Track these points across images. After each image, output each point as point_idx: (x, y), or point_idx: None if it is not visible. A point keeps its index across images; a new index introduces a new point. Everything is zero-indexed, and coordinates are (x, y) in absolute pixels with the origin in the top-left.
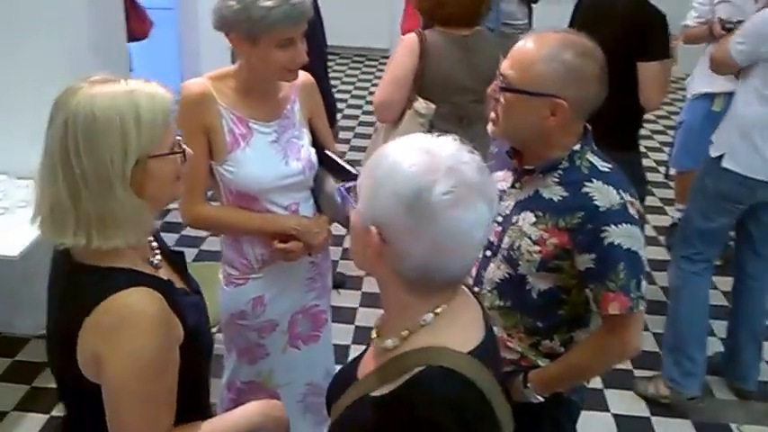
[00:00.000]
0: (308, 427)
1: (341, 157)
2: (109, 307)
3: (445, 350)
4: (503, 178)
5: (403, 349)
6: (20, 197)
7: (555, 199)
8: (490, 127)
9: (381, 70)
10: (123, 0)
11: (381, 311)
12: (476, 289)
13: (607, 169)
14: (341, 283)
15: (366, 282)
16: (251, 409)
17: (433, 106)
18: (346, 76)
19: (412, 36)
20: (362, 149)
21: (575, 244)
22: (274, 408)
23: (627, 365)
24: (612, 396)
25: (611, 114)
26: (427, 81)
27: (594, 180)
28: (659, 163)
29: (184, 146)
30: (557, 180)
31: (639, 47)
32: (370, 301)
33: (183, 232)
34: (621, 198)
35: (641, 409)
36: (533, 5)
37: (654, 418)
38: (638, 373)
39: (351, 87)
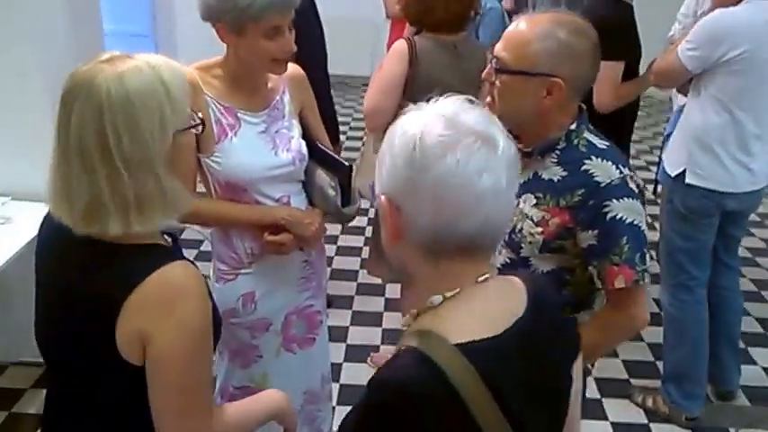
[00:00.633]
0: None
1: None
2: (155, 281)
3: (432, 335)
4: None
5: (409, 330)
6: None
7: (555, 179)
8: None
9: (363, 97)
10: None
11: (372, 329)
12: None
13: (604, 146)
14: (328, 302)
15: (356, 300)
16: (276, 396)
17: None
18: None
19: (401, 43)
20: None
21: (577, 221)
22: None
23: (623, 375)
24: (609, 405)
25: None
26: (418, 87)
27: (593, 157)
28: (647, 181)
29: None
30: (555, 161)
31: None
32: (361, 319)
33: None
34: (621, 173)
35: (639, 417)
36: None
37: (652, 425)
38: (634, 381)
39: None
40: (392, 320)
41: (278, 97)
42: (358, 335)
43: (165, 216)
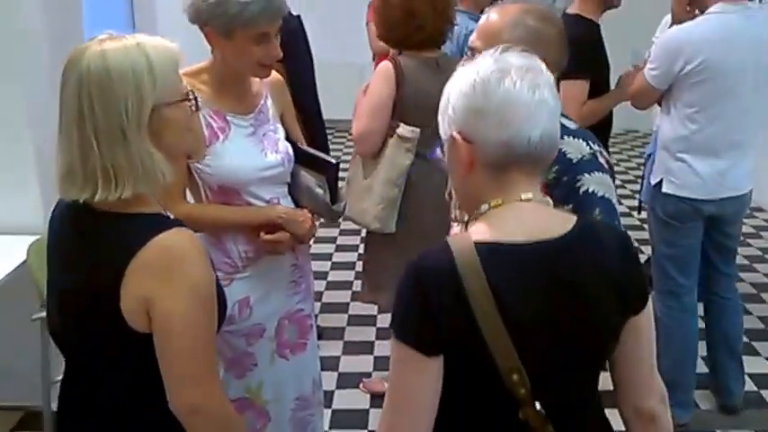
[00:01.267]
0: None
1: None
2: (156, 247)
3: (464, 233)
4: None
5: None
6: None
7: None
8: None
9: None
10: None
11: (364, 357)
12: None
13: (574, 126)
14: (319, 335)
15: (348, 331)
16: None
17: (418, 130)
18: None
19: (386, 64)
20: None
21: (553, 198)
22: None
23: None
24: None
25: None
26: (406, 106)
27: (565, 137)
28: (632, 208)
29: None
30: None
31: None
32: (352, 348)
33: None
34: (591, 149)
35: None
36: None
37: None
38: None
39: None
40: (383, 348)
41: (262, 101)
42: (350, 363)
43: (138, 186)
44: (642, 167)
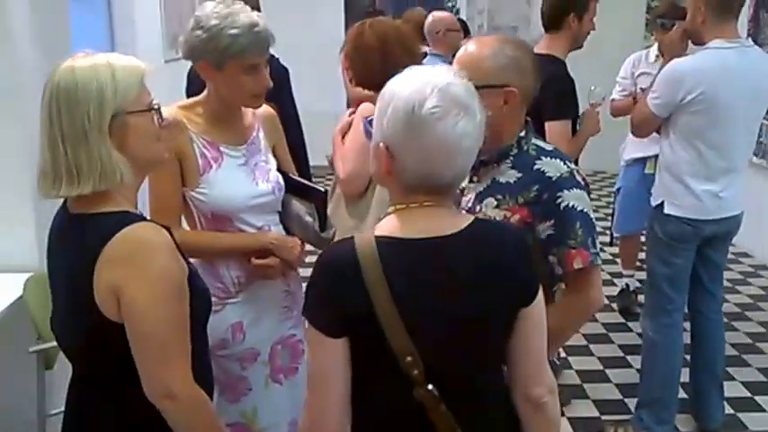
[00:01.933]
0: None
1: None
2: (122, 239)
3: (371, 231)
4: None
5: None
6: None
7: (511, 181)
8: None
9: (328, 184)
10: None
11: None
12: None
13: (551, 147)
14: None
15: None
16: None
17: None
18: None
19: (368, 106)
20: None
21: (534, 215)
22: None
23: (594, 413)
24: None
25: None
26: None
27: (543, 157)
28: (603, 244)
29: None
30: (509, 165)
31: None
32: None
33: None
34: (568, 167)
35: None
36: None
37: None
38: (605, 417)
39: None
40: None
41: (254, 133)
42: None
43: (98, 184)
44: (611, 205)
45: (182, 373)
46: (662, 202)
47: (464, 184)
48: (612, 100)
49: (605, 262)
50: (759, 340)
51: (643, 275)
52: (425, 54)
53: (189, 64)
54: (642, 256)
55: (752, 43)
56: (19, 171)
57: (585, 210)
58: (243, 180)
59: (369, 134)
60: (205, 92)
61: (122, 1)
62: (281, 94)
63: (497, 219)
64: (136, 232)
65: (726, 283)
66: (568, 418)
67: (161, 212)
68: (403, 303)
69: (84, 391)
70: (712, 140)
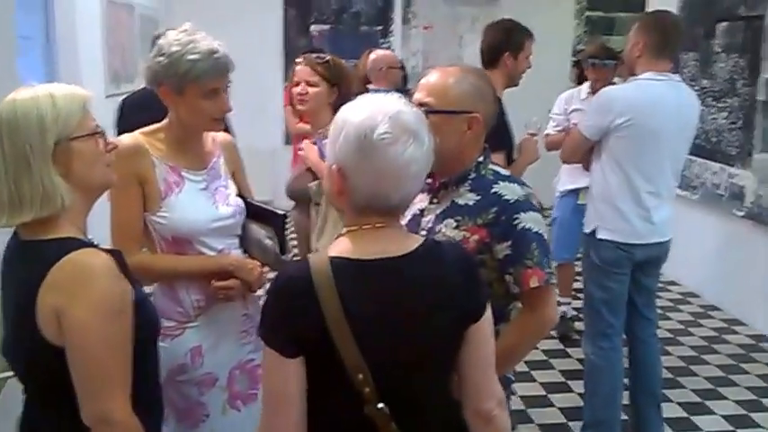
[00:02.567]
0: None
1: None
2: (65, 264)
3: (323, 250)
4: (419, 200)
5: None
6: None
7: (470, 203)
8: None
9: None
10: None
11: None
12: None
13: (507, 173)
14: None
15: None
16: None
17: None
18: None
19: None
20: None
21: (493, 236)
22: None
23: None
24: None
25: None
26: None
27: (500, 182)
28: None
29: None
30: (468, 188)
31: None
32: None
33: None
34: (524, 191)
35: None
36: None
37: None
38: None
39: None
40: None
41: (215, 159)
42: None
43: (41, 210)
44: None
45: (120, 400)
46: (595, 228)
47: (424, 205)
48: (547, 135)
49: None
50: (692, 363)
51: (579, 303)
52: (368, 90)
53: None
54: (577, 285)
55: (680, 79)
56: None
57: (541, 231)
58: (204, 204)
59: (321, 151)
60: (167, 118)
61: (66, 36)
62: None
63: (457, 239)
64: (78, 257)
65: (657, 311)
66: None
67: (123, 236)
68: (356, 322)
69: (32, 412)
70: (640, 166)
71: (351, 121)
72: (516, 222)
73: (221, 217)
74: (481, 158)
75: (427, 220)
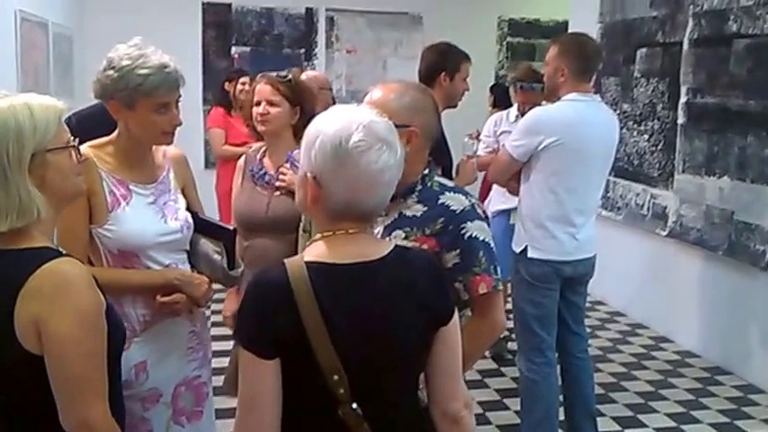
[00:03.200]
0: None
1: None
2: (43, 274)
3: (300, 256)
4: None
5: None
6: None
7: (418, 214)
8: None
9: None
10: None
11: None
12: None
13: (452, 184)
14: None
15: None
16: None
17: None
18: None
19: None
20: None
21: (441, 246)
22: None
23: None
24: None
25: None
26: None
27: (447, 192)
28: None
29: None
30: (415, 200)
31: None
32: None
33: None
34: (470, 201)
35: None
36: None
37: None
38: None
39: None
40: None
41: (164, 173)
42: None
43: (16, 220)
44: None
45: (100, 406)
46: (525, 247)
47: None
48: (477, 156)
49: None
50: (623, 379)
51: (510, 324)
52: None
53: None
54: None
55: (601, 99)
56: None
57: (487, 240)
58: (151, 218)
59: (293, 165)
60: (116, 132)
61: None
62: None
63: None
64: (57, 267)
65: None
66: None
67: (68, 248)
68: (332, 324)
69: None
70: (568, 183)
71: (325, 131)
72: (463, 231)
73: (169, 231)
74: (426, 171)
75: (376, 231)
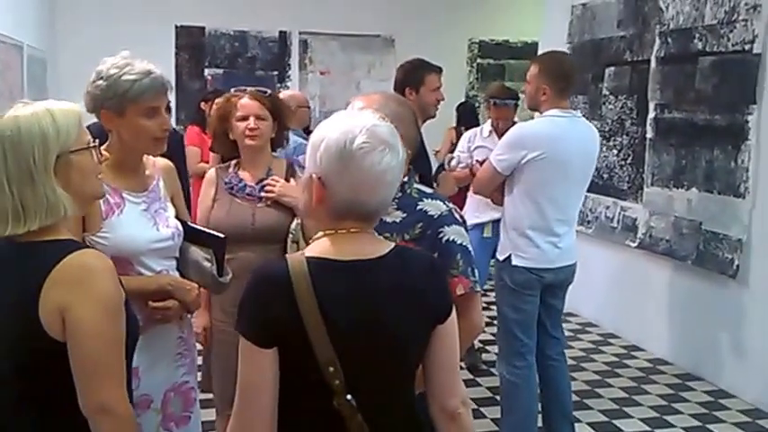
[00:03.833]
0: None
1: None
2: (68, 263)
3: (302, 252)
4: None
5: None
6: None
7: (397, 220)
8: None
9: None
10: None
11: None
12: None
13: (431, 191)
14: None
15: None
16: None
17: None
18: None
19: (210, 172)
20: None
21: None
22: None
23: None
24: None
25: None
26: None
27: (425, 199)
28: None
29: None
30: (395, 207)
31: None
32: None
33: None
34: (447, 206)
35: None
36: None
37: None
38: None
39: None
40: None
41: (155, 183)
42: None
43: (44, 220)
44: None
45: (119, 391)
46: (509, 256)
47: None
48: (450, 166)
49: None
50: (597, 386)
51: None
52: None
53: None
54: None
55: (580, 115)
56: None
57: (464, 243)
58: (144, 225)
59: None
60: (109, 140)
61: None
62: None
63: None
64: (82, 258)
65: None
66: None
67: None
68: (329, 317)
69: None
70: (550, 195)
71: (330, 135)
72: (441, 236)
73: (161, 238)
74: (406, 179)
75: None
